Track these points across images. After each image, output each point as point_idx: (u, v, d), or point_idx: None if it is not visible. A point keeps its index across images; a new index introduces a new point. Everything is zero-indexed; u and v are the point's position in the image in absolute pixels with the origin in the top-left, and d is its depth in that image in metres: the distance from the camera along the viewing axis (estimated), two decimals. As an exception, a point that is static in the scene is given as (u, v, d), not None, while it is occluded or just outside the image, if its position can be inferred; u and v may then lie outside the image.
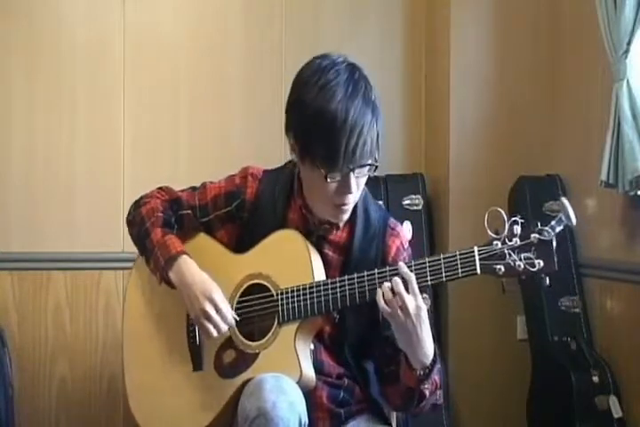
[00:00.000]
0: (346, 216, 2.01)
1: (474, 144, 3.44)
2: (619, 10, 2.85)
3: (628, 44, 2.86)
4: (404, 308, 1.86)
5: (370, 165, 1.92)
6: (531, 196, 3.29)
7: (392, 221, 2.11)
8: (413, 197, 3.44)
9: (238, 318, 2.02)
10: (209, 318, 1.99)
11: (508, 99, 3.47)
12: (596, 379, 2.99)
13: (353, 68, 1.94)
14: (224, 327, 2.00)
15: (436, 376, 1.95)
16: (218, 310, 1.99)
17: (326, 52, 1.99)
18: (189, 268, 2.04)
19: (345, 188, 1.92)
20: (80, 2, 3.44)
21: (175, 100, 3.48)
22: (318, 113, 1.87)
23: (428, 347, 1.90)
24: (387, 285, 1.88)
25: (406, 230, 2.21)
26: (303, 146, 1.93)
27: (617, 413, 2.95)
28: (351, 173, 1.91)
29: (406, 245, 2.10)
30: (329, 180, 1.90)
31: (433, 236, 3.51)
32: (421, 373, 1.92)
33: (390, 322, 1.90)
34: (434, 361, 1.93)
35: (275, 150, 3.33)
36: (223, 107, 3.51)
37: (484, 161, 3.44)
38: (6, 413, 3.17)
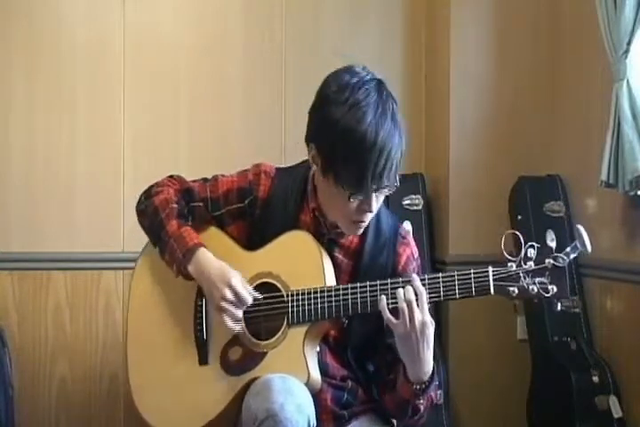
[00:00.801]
0: (361, 231, 2.01)
1: (474, 144, 3.44)
2: (619, 10, 2.84)
3: (628, 44, 2.86)
4: (411, 319, 1.86)
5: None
6: (531, 196, 3.29)
7: (402, 229, 2.12)
8: (413, 197, 3.44)
9: (261, 296, 2.01)
10: (230, 303, 1.97)
11: (508, 99, 3.46)
12: (596, 379, 2.98)
13: (380, 86, 1.92)
14: (245, 305, 1.98)
15: (432, 393, 1.97)
16: (237, 293, 1.97)
17: (351, 65, 1.95)
18: (207, 259, 2.03)
19: (366, 206, 1.93)
20: (80, 2, 3.44)
21: (175, 99, 3.48)
22: (347, 133, 1.86)
23: (427, 364, 1.91)
24: (400, 292, 1.87)
25: (407, 231, 2.21)
26: (328, 162, 1.91)
27: (617, 413, 2.94)
28: (374, 194, 1.91)
29: (416, 255, 2.11)
30: (351, 200, 1.91)
31: (433, 236, 3.51)
32: (417, 387, 1.93)
33: (393, 332, 1.91)
34: (431, 378, 1.93)
35: (275, 150, 3.35)
36: (223, 107, 3.50)
37: (484, 161, 3.44)
38: (6, 413, 3.17)
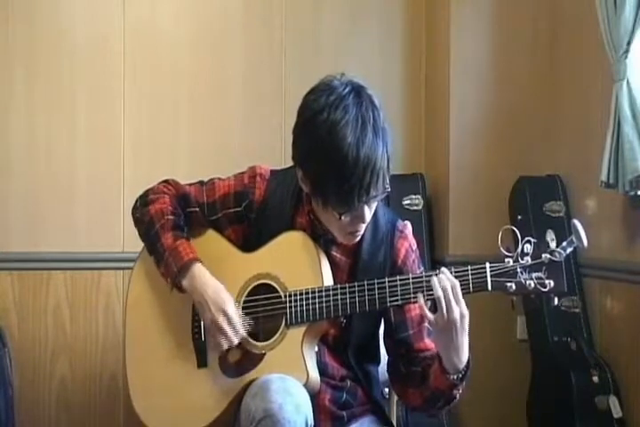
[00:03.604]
0: (357, 239, 2.00)
1: (474, 144, 3.44)
2: (619, 10, 2.84)
3: (628, 44, 2.86)
4: (449, 312, 1.86)
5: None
6: (531, 196, 3.29)
7: (400, 223, 2.11)
8: (413, 197, 3.44)
9: (246, 334, 2.02)
10: (220, 330, 1.99)
11: (508, 99, 3.47)
12: (596, 379, 2.99)
13: (359, 98, 1.88)
14: (235, 341, 1.99)
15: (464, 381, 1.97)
16: (230, 323, 1.99)
17: (329, 80, 1.91)
18: (202, 276, 2.03)
19: (358, 218, 1.92)
20: (80, 2, 3.44)
21: (175, 99, 3.48)
22: (329, 159, 1.84)
23: (465, 352, 1.92)
24: (435, 284, 1.87)
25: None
26: (315, 187, 1.91)
27: (617, 413, 2.95)
28: (365, 206, 1.90)
29: (414, 247, 2.10)
30: (342, 218, 1.90)
31: (433, 236, 3.51)
32: (454, 377, 1.93)
33: (432, 328, 1.92)
34: (467, 367, 1.94)
35: (275, 150, 3.34)
36: (223, 106, 3.51)
37: (483, 161, 3.44)
38: (6, 413, 3.17)
